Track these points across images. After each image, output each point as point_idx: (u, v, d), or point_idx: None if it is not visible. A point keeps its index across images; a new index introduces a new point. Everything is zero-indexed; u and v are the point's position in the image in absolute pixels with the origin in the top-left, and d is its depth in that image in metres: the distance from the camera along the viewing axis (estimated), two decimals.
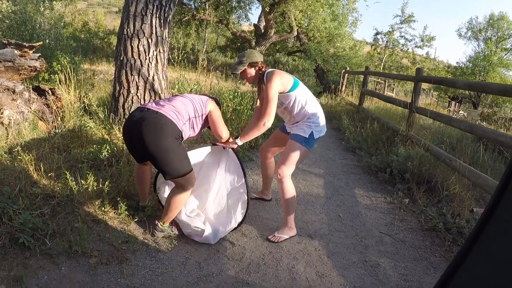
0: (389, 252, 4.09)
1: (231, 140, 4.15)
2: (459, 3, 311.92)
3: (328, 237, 4.26)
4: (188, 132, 3.75)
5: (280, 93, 3.93)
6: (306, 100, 4.02)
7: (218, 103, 4.27)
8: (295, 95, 3.98)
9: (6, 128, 5.40)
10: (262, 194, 5.09)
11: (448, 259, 4.00)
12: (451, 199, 5.27)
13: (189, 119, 3.69)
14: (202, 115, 3.84)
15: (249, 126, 4.05)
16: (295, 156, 3.94)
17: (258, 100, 4.43)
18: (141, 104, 3.86)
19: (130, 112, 3.95)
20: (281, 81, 3.88)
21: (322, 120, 4.10)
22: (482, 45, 38.24)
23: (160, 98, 6.54)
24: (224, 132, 4.02)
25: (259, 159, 4.93)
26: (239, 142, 4.02)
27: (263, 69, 4.12)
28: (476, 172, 5.01)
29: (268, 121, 3.78)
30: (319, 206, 5.16)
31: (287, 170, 3.95)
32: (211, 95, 4.36)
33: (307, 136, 3.94)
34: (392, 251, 4.12)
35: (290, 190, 3.99)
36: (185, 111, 3.64)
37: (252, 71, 4.09)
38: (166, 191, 4.07)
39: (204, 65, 9.44)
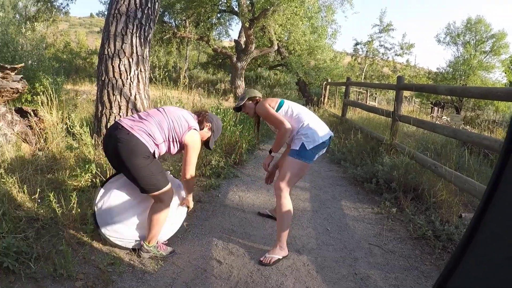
0: (379, 263, 4.05)
1: (267, 155, 4.35)
2: (437, 9, 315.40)
3: (317, 252, 4.21)
4: (163, 151, 3.72)
5: None
6: (294, 115, 4.11)
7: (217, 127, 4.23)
8: (281, 113, 4.12)
9: None
10: (275, 211, 4.94)
11: (439, 267, 3.97)
12: (439, 206, 5.26)
13: (164, 141, 3.64)
14: (179, 141, 3.77)
15: (275, 140, 4.18)
16: (291, 170, 3.95)
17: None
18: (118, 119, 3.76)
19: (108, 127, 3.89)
20: (266, 102, 4.19)
21: (314, 131, 4.03)
22: (461, 49, 38.50)
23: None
24: (188, 172, 3.85)
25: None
26: (274, 154, 4.28)
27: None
28: (462, 177, 4.98)
29: (285, 126, 4.00)
30: (306, 220, 5.11)
31: (283, 185, 3.95)
32: (210, 116, 4.21)
33: (297, 148, 3.94)
34: (382, 262, 4.08)
35: (286, 205, 3.96)
36: (160, 134, 3.59)
37: (251, 105, 4.44)
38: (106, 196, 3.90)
39: (186, 83, 9.41)
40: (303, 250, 4.21)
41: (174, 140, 3.71)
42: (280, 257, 3.94)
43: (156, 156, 3.61)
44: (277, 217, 4.04)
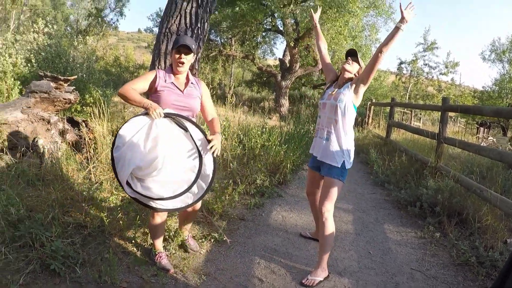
0: None
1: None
2: (481, 25, 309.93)
3: (358, 275, 4.20)
4: None
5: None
6: (351, 128, 4.04)
7: None
8: (352, 112, 4.01)
9: (40, 157, 5.55)
10: (316, 235, 4.92)
11: None
12: (484, 231, 5.16)
13: None
14: None
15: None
16: (335, 191, 3.94)
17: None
18: None
19: None
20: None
21: (353, 153, 4.06)
22: (507, 66, 36.67)
23: None
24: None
25: (309, 203, 4.90)
26: (403, 27, 3.64)
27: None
28: (508, 202, 4.91)
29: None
30: (349, 242, 5.09)
31: (331, 206, 3.96)
32: None
33: (339, 166, 3.90)
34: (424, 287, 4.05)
35: (331, 227, 3.96)
36: None
37: (356, 68, 4.17)
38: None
39: (232, 101, 9.55)
40: (344, 273, 4.20)
41: None
42: (322, 279, 3.94)
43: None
44: (321, 238, 4.02)
